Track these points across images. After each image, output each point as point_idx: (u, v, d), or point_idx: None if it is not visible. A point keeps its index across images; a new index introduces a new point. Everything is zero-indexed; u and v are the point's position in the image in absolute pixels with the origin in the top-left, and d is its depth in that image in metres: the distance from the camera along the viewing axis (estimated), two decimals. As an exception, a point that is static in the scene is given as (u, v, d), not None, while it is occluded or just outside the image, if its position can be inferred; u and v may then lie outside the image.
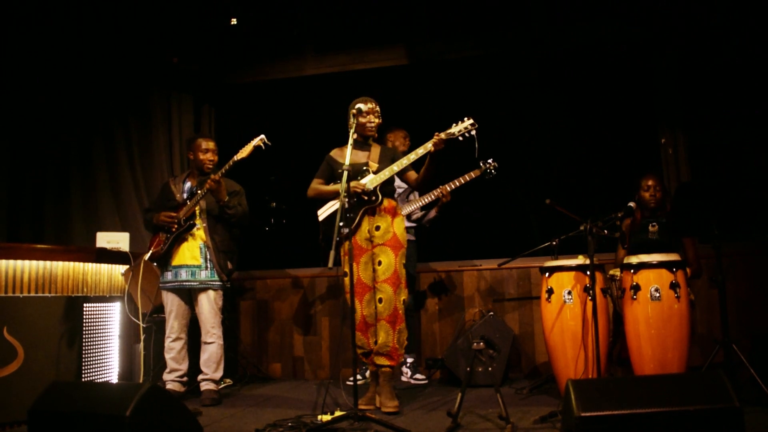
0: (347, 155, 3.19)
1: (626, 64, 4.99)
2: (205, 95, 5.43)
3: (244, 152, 3.71)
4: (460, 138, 3.27)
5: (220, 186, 3.74)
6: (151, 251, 3.90)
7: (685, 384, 2.36)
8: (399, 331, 3.39)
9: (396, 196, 4.27)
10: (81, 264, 3.78)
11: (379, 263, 3.41)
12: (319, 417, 2.99)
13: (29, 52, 5.02)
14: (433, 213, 4.32)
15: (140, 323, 3.95)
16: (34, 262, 3.53)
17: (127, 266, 4.05)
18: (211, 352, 3.85)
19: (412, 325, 4.37)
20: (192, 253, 3.84)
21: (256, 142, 3.70)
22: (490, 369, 3.04)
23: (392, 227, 3.46)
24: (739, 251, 4.25)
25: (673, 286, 3.23)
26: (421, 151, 3.36)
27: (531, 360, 4.56)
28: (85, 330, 3.73)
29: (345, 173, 3.12)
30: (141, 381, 3.90)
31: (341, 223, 3.10)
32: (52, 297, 3.57)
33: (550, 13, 4.87)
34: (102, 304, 3.90)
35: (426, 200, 4.29)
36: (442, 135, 3.28)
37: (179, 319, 3.89)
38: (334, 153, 3.65)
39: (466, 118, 3.31)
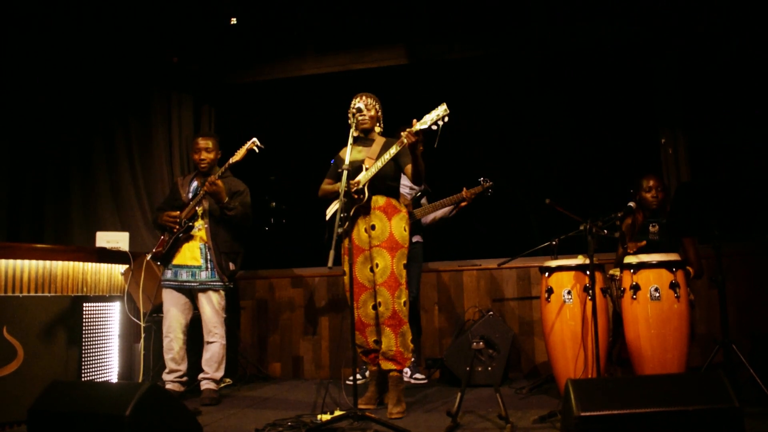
0: (347, 154, 3.19)
1: (626, 64, 4.99)
2: (205, 95, 5.44)
3: (238, 156, 3.76)
4: (434, 127, 3.08)
5: (218, 188, 3.74)
6: (153, 251, 3.91)
7: (685, 384, 2.36)
8: (401, 334, 3.35)
9: (408, 196, 4.25)
10: (81, 264, 3.78)
11: (376, 265, 3.38)
12: (319, 416, 2.99)
13: (29, 52, 5.02)
14: (448, 211, 4.31)
15: (141, 323, 3.95)
16: (33, 262, 3.53)
17: (127, 266, 4.05)
18: (213, 351, 3.86)
19: (412, 325, 4.37)
20: (192, 254, 3.84)
21: (248, 145, 3.75)
22: (489, 369, 3.04)
23: (389, 227, 3.40)
24: (739, 251, 4.25)
25: (673, 286, 3.23)
26: (393, 150, 3.28)
27: (531, 360, 4.56)
28: (85, 330, 3.73)
29: (344, 173, 3.12)
30: (141, 381, 3.90)
31: (338, 223, 3.09)
32: (51, 296, 3.57)
33: (550, 13, 4.87)
34: (102, 304, 3.90)
35: (446, 209, 4.31)
36: (416, 126, 3.10)
37: (178, 319, 3.88)
38: (342, 152, 3.63)
39: (440, 105, 3.10)
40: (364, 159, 3.49)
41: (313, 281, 5.03)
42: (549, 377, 3.85)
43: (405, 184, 4.31)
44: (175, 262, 3.85)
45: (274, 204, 6.08)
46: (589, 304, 3.21)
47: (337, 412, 2.97)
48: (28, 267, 3.50)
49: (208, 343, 3.86)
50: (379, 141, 3.54)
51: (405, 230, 3.46)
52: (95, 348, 3.81)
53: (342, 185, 3.10)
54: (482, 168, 4.20)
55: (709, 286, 4.23)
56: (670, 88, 4.69)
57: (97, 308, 3.85)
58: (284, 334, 5.04)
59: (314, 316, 5.00)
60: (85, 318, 3.74)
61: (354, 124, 3.50)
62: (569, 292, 3.43)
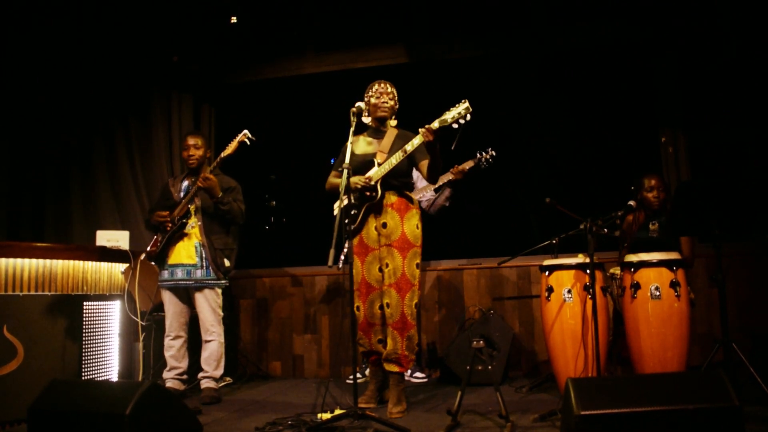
0: (347, 153, 3.08)
1: (626, 64, 4.99)
2: (205, 95, 5.44)
3: (230, 149, 3.76)
4: (455, 126, 3.00)
5: (211, 182, 3.74)
6: (147, 250, 3.91)
7: (685, 383, 2.36)
8: (408, 337, 3.29)
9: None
10: (81, 262, 3.78)
11: (386, 265, 3.29)
12: (319, 415, 2.99)
13: (29, 52, 5.02)
14: (447, 192, 4.25)
15: (139, 321, 3.95)
16: (33, 261, 3.53)
17: (128, 264, 4.05)
18: (212, 350, 3.86)
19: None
20: (188, 252, 3.84)
21: (239, 137, 3.75)
22: (489, 368, 3.03)
23: (401, 225, 3.30)
24: (739, 251, 4.25)
25: (673, 284, 3.23)
26: (408, 148, 3.20)
27: (531, 359, 4.57)
28: (85, 328, 3.72)
29: (345, 171, 3.03)
30: (140, 379, 3.90)
31: (346, 220, 3.05)
32: (52, 295, 3.57)
33: (550, 13, 4.87)
34: (102, 303, 3.90)
35: (444, 195, 4.24)
36: (434, 124, 3.00)
37: (178, 318, 3.89)
38: (351, 141, 3.43)
39: (462, 102, 3.01)
40: (375, 152, 3.36)
41: (313, 280, 5.03)
42: (549, 376, 3.85)
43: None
44: (171, 261, 3.85)
45: (274, 203, 6.08)
46: (590, 303, 3.21)
47: (338, 411, 2.97)
48: (28, 266, 3.50)
49: (206, 342, 3.87)
50: (391, 133, 3.40)
51: (417, 228, 3.35)
52: (95, 347, 3.81)
53: (342, 183, 3.04)
54: (482, 167, 4.19)
55: (710, 286, 4.23)
56: (670, 88, 4.69)
57: (97, 307, 3.85)
58: (284, 333, 5.04)
59: (314, 315, 5.00)
60: (86, 317, 3.74)
61: (372, 110, 3.39)
62: (569, 291, 3.43)
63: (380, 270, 3.34)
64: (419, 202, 4.33)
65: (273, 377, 4.92)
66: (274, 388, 4.35)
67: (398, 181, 3.36)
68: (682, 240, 3.64)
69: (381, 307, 3.35)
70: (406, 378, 4.39)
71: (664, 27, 4.63)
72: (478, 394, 3.67)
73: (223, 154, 3.75)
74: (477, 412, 3.20)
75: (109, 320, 3.96)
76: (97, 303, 3.85)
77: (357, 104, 3.31)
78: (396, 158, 3.24)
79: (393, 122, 3.52)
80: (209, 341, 3.86)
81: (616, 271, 3.65)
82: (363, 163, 3.37)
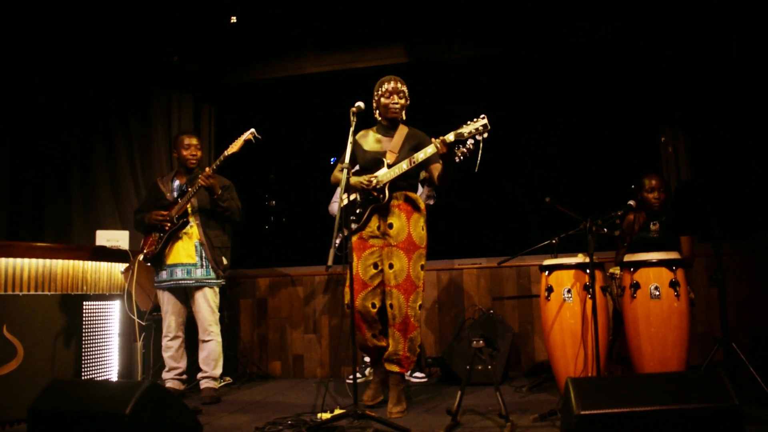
0: (347, 153, 3.06)
1: (626, 64, 4.99)
2: (205, 95, 5.44)
3: (235, 147, 3.71)
4: (470, 142, 2.94)
5: (213, 180, 3.74)
6: (144, 252, 3.90)
7: (685, 382, 2.36)
8: (411, 339, 3.29)
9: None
10: (80, 262, 3.78)
11: (390, 266, 3.27)
12: (319, 415, 2.99)
13: (29, 52, 5.02)
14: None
15: (137, 321, 3.95)
16: (33, 260, 3.53)
17: (127, 264, 4.05)
18: (210, 349, 3.86)
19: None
20: (187, 252, 3.84)
21: (246, 136, 3.71)
22: (489, 367, 3.03)
23: (407, 227, 3.27)
24: (739, 251, 4.25)
25: (673, 284, 3.23)
26: (421, 156, 3.15)
27: (530, 358, 4.57)
28: (85, 328, 3.73)
29: (344, 171, 3.02)
30: (140, 379, 3.90)
31: (351, 217, 3.01)
32: (51, 295, 3.57)
33: (550, 13, 4.87)
34: (101, 302, 3.90)
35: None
36: (450, 137, 2.95)
37: (176, 318, 3.89)
38: (360, 135, 3.43)
39: (481, 118, 2.93)
40: (385, 151, 3.30)
41: (313, 280, 5.03)
42: (549, 376, 3.85)
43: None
44: (169, 261, 3.84)
45: (274, 203, 6.08)
46: (589, 302, 3.21)
47: (337, 411, 2.97)
48: (28, 265, 3.50)
49: (204, 341, 3.86)
50: (402, 131, 3.34)
51: (423, 230, 3.34)
52: (95, 346, 3.81)
53: (342, 182, 3.01)
54: (482, 167, 4.18)
55: (709, 285, 4.23)
56: (670, 88, 4.69)
57: (96, 307, 3.85)
58: (284, 332, 5.04)
59: (314, 315, 5.00)
60: (85, 317, 3.74)
61: (383, 111, 3.33)
62: (569, 291, 3.43)
63: (375, 267, 3.31)
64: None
65: (273, 377, 4.92)
66: (273, 388, 4.35)
67: (406, 182, 3.33)
68: (682, 240, 3.64)
69: (374, 305, 3.33)
70: (406, 378, 4.39)
71: (664, 27, 4.63)
72: (477, 394, 3.66)
73: (227, 152, 3.70)
74: (477, 412, 3.20)
75: (109, 320, 3.96)
76: (96, 303, 3.85)
77: (357, 104, 3.25)
78: (407, 164, 3.19)
79: (404, 118, 3.45)
80: (207, 341, 3.86)
81: (616, 270, 3.65)
82: (372, 161, 3.32)
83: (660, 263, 3.28)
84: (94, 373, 3.78)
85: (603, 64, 5.10)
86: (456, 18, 5.03)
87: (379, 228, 3.32)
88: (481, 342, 2.99)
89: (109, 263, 4.03)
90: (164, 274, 3.86)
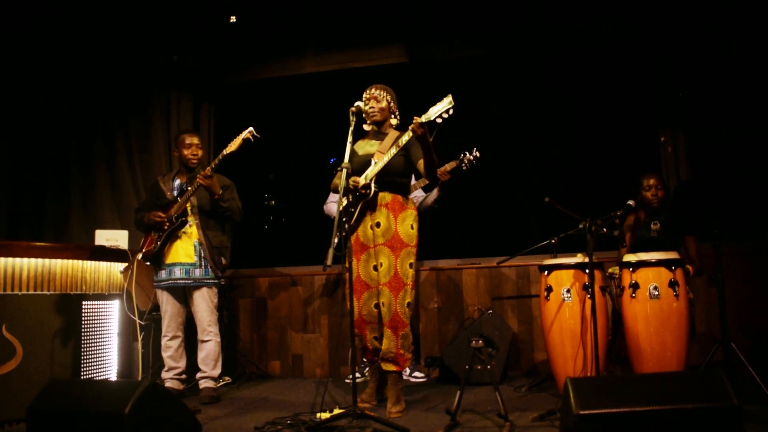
0: (346, 153, 3.11)
1: (626, 64, 4.99)
2: (204, 94, 5.44)
3: (233, 146, 3.71)
4: (438, 120, 3.05)
5: (213, 180, 3.73)
6: (143, 250, 3.90)
7: (684, 382, 2.36)
8: (402, 336, 3.30)
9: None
10: (80, 262, 3.78)
11: (380, 264, 3.30)
12: (318, 415, 2.99)
13: (29, 52, 5.03)
14: (435, 193, 4.23)
15: (136, 320, 3.95)
16: (32, 260, 3.53)
17: (126, 264, 4.05)
18: (209, 349, 3.85)
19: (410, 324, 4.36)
20: (186, 251, 3.83)
21: (244, 135, 3.70)
22: (489, 367, 3.03)
23: (394, 225, 3.31)
24: (739, 251, 4.25)
25: (672, 284, 3.23)
26: (399, 143, 3.22)
27: (530, 358, 4.56)
28: (84, 328, 3.73)
29: (344, 171, 3.06)
30: (139, 379, 3.90)
31: (344, 218, 3.05)
32: (50, 295, 3.57)
33: (550, 12, 4.87)
34: (101, 302, 3.90)
35: (433, 195, 4.24)
36: (421, 119, 3.06)
37: (175, 318, 3.89)
38: (357, 144, 3.53)
39: (446, 97, 3.07)
40: (374, 153, 3.40)
41: (312, 280, 5.02)
42: (548, 376, 3.85)
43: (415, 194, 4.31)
44: (168, 260, 3.84)
45: (273, 202, 6.08)
46: (589, 302, 3.20)
47: (337, 411, 2.97)
48: (27, 265, 3.50)
49: (203, 341, 3.86)
50: (392, 135, 3.42)
51: (412, 228, 3.36)
52: (94, 346, 3.81)
53: (342, 183, 3.06)
54: (482, 167, 4.18)
55: (709, 285, 4.23)
56: (670, 88, 4.69)
57: (96, 306, 3.85)
58: (283, 332, 5.04)
59: (314, 315, 5.00)
60: (84, 316, 3.74)
61: (365, 117, 3.44)
62: (568, 291, 3.43)
63: (375, 268, 3.35)
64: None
65: (272, 377, 4.92)
66: (273, 388, 4.35)
67: (394, 180, 3.38)
68: (688, 246, 3.64)
69: (377, 306, 3.35)
70: (405, 378, 4.39)
71: (664, 27, 4.63)
72: (477, 394, 3.66)
73: (225, 151, 3.70)
74: (476, 412, 3.20)
75: (108, 320, 3.96)
76: (95, 302, 3.85)
77: (356, 104, 3.31)
78: (389, 155, 3.28)
79: (394, 122, 3.53)
80: (206, 341, 3.85)
81: (615, 270, 3.64)
82: (363, 164, 3.40)
83: (659, 263, 3.28)
84: (93, 373, 3.78)
85: (603, 64, 5.10)
86: (456, 18, 5.03)
87: (371, 227, 3.36)
88: (480, 342, 2.99)
89: (109, 263, 4.02)
90: (163, 274, 3.86)
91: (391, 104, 3.51)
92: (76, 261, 3.75)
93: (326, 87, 5.38)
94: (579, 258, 3.48)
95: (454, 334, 4.52)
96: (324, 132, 5.44)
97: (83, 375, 3.67)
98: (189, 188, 3.81)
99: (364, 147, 3.50)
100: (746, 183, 4.52)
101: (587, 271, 3.29)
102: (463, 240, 5.28)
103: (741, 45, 4.45)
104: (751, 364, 3.05)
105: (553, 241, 3.71)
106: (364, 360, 4.36)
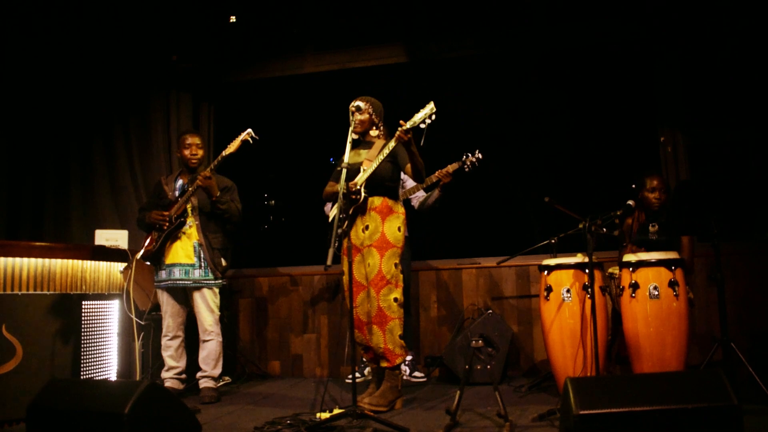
0: (346, 154, 3.18)
1: (626, 64, 4.99)
2: (204, 93, 5.43)
3: (232, 147, 3.73)
4: (422, 125, 3.12)
5: (211, 182, 3.73)
6: (143, 250, 3.90)
7: (684, 382, 2.36)
8: (388, 330, 3.33)
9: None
10: (79, 261, 3.78)
11: (368, 265, 3.39)
12: (318, 415, 2.99)
13: (29, 52, 5.03)
14: (436, 193, 4.26)
15: (136, 320, 3.94)
16: (32, 260, 3.53)
17: (126, 264, 4.05)
18: (210, 349, 3.85)
19: (409, 323, 4.36)
20: (186, 252, 3.83)
21: (243, 136, 3.72)
22: (488, 367, 3.04)
23: (381, 227, 3.40)
24: (739, 251, 4.25)
25: (672, 284, 3.23)
26: (386, 151, 3.32)
27: (530, 358, 4.56)
28: (84, 327, 3.72)
29: (343, 171, 3.10)
30: (139, 378, 3.90)
31: (337, 223, 3.08)
32: (50, 294, 3.57)
33: (549, 12, 4.87)
34: (100, 302, 3.89)
35: (434, 194, 4.26)
36: (406, 125, 3.15)
37: (175, 318, 3.89)
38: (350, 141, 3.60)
39: (428, 104, 3.15)
40: (363, 161, 3.49)
41: (312, 279, 5.02)
42: (548, 375, 3.85)
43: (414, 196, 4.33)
44: (168, 261, 3.84)
45: (273, 202, 6.08)
46: (588, 302, 3.21)
47: (336, 411, 2.97)
48: (26, 265, 3.50)
49: (204, 341, 3.86)
50: (378, 143, 3.54)
51: (399, 231, 3.44)
52: (94, 346, 3.81)
53: (341, 184, 3.09)
54: (482, 167, 4.19)
55: (708, 285, 4.23)
56: (670, 88, 4.68)
57: (95, 306, 3.85)
58: (283, 332, 5.04)
59: (313, 315, 5.00)
60: (84, 316, 3.74)
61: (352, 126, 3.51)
62: (568, 291, 3.43)
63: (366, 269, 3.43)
64: (410, 200, 4.36)
65: (272, 377, 4.92)
66: (273, 388, 4.35)
67: (382, 185, 3.46)
68: (683, 243, 3.64)
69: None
70: (405, 378, 4.39)
71: (664, 27, 4.63)
72: (476, 394, 3.66)
73: (224, 153, 3.71)
74: (476, 412, 3.20)
75: (108, 319, 3.96)
76: (95, 302, 3.85)
77: (356, 103, 3.35)
78: (377, 162, 3.37)
79: (375, 132, 3.60)
80: (207, 341, 3.85)
81: (615, 270, 3.64)
82: (351, 172, 3.46)
83: (659, 263, 3.28)
84: (93, 373, 3.78)
85: (603, 64, 5.11)
86: (455, 17, 5.03)
87: (362, 231, 3.43)
88: (480, 342, 3.00)
89: (108, 263, 4.02)
90: (163, 274, 3.86)
91: (373, 116, 3.57)
92: (75, 261, 3.75)
93: (326, 87, 5.38)
94: (579, 258, 3.48)
95: (454, 334, 4.52)
96: (323, 131, 5.44)
97: (83, 375, 3.67)
98: (189, 188, 3.81)
99: (353, 156, 3.55)
100: (746, 183, 4.52)
101: (587, 271, 3.29)
102: (463, 240, 5.28)
103: (741, 45, 4.45)
104: (750, 364, 3.05)
105: (552, 241, 3.71)
106: (364, 360, 4.37)
